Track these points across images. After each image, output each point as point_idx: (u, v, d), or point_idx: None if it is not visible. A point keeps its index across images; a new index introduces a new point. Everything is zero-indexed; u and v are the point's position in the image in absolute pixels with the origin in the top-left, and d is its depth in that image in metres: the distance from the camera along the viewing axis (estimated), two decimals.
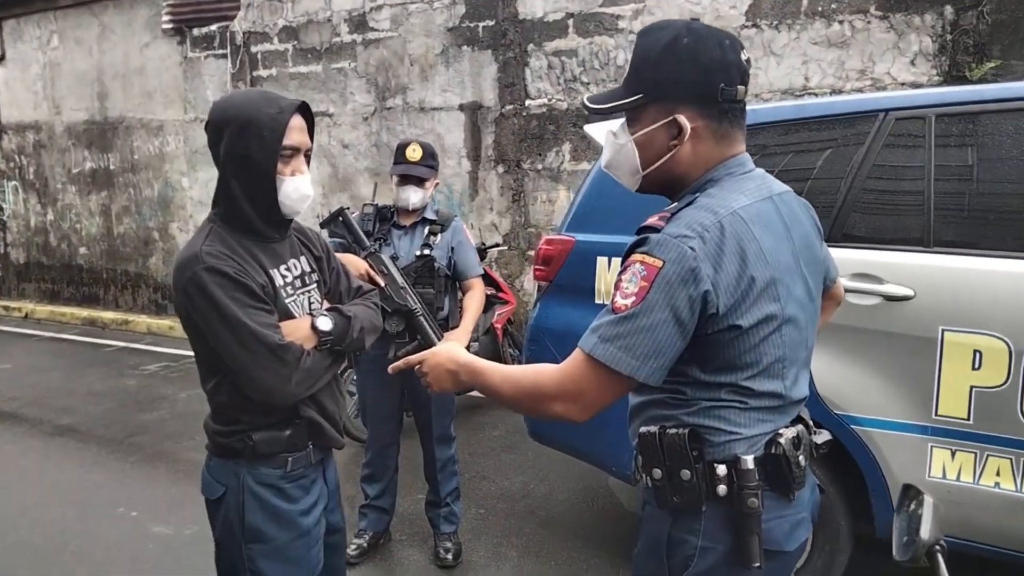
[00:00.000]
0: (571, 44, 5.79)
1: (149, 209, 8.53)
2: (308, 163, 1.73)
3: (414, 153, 3.00)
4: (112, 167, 8.74)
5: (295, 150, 1.65)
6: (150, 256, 8.56)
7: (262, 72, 7.43)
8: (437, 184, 3.18)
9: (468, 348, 3.14)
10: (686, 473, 1.23)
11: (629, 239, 2.80)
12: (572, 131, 5.84)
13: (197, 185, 8.06)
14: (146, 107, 8.32)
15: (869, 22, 4.82)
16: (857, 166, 2.43)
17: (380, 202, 3.20)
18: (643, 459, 1.29)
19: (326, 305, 1.81)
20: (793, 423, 1.31)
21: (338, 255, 2.96)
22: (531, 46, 5.98)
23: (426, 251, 3.02)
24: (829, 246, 2.33)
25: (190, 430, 4.58)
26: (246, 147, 1.59)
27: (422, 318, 2.91)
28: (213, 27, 7.67)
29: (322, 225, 3.13)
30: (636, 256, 1.22)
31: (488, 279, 4.42)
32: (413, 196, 3.01)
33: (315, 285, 1.81)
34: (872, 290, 2.32)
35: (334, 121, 7.07)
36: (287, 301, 1.70)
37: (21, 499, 3.80)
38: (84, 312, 8.75)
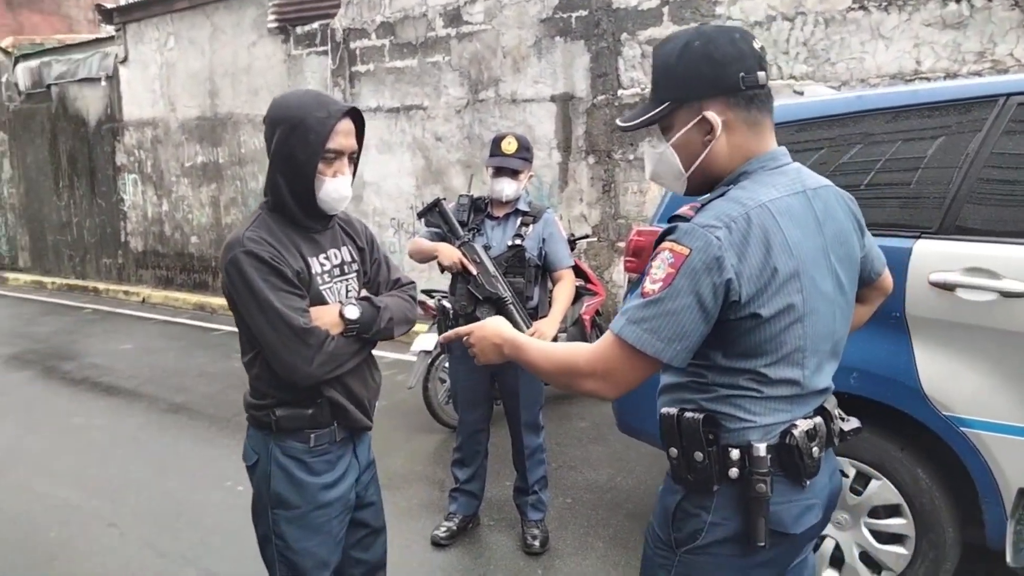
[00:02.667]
0: (665, 32, 5.68)
1: (255, 201, 8.95)
2: (356, 165, 1.83)
3: (509, 146, 3.04)
4: (221, 161, 9.24)
5: (338, 153, 1.73)
6: None
7: (360, 68, 7.66)
8: (531, 176, 3.21)
9: (556, 338, 3.18)
10: (699, 455, 1.30)
11: None
12: None
13: None
14: (252, 103, 8.73)
15: (991, 0, 4.51)
16: (973, 154, 2.29)
17: (475, 193, 3.26)
18: (662, 437, 1.36)
19: (363, 293, 1.89)
20: (815, 414, 1.36)
21: (435, 244, 3.07)
22: (624, 35, 5.92)
23: (518, 241, 3.06)
24: (940, 239, 2.25)
25: None
26: (293, 147, 1.69)
27: (512, 306, 2.96)
28: (315, 25, 7.96)
29: (419, 215, 3.23)
30: (665, 244, 1.27)
31: (577, 270, 4.42)
32: (507, 188, 3.05)
33: (355, 274, 1.89)
34: (987, 286, 2.19)
35: (428, 114, 7.22)
36: (322, 288, 1.79)
37: (140, 469, 4.10)
38: (194, 298, 9.30)
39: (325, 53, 7.93)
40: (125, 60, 10.03)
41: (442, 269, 3.08)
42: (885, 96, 2.57)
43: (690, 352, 1.26)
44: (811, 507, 1.35)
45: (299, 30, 8.12)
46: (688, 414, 1.31)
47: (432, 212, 3.14)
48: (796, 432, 1.29)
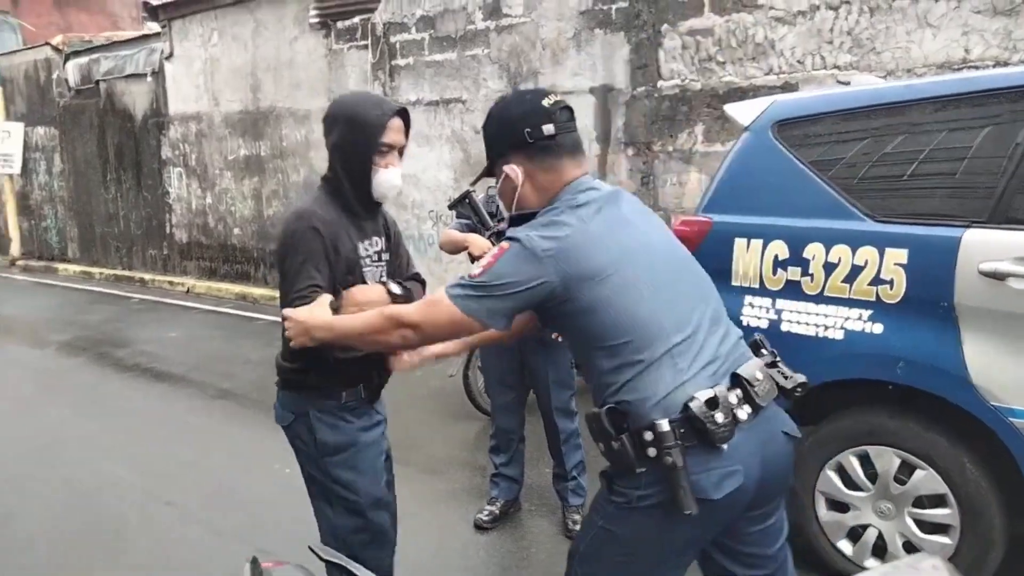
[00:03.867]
0: (707, 23, 5.66)
1: (296, 193, 9.10)
2: (402, 158, 2.06)
3: None
4: (263, 154, 9.41)
5: (390, 147, 1.95)
6: None
7: (400, 61, 7.74)
8: None
9: None
10: (614, 443, 1.47)
11: (768, 220, 2.75)
12: (706, 112, 5.72)
13: None
14: (293, 97, 8.88)
15: None
16: (1022, 144, 2.27)
17: None
18: (591, 435, 1.55)
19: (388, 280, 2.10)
20: (732, 383, 1.50)
21: (465, 235, 3.16)
22: (665, 26, 5.90)
23: None
24: (991, 228, 2.24)
25: None
26: (352, 141, 1.91)
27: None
28: (355, 19, 8.06)
29: (450, 207, 3.30)
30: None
31: None
32: None
33: (384, 263, 2.11)
34: None
35: (467, 107, 7.27)
36: (364, 270, 2.01)
37: (191, 451, 4.24)
38: (237, 288, 9.50)
39: (365, 47, 8.03)
40: (170, 56, 10.26)
41: (473, 260, 3.14)
42: (925, 86, 2.56)
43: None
44: (732, 473, 1.45)
45: (340, 25, 8.22)
46: (594, 410, 1.51)
47: (462, 204, 3.20)
48: (693, 404, 1.43)
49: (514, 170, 1.65)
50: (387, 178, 1.95)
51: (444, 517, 3.37)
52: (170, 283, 10.37)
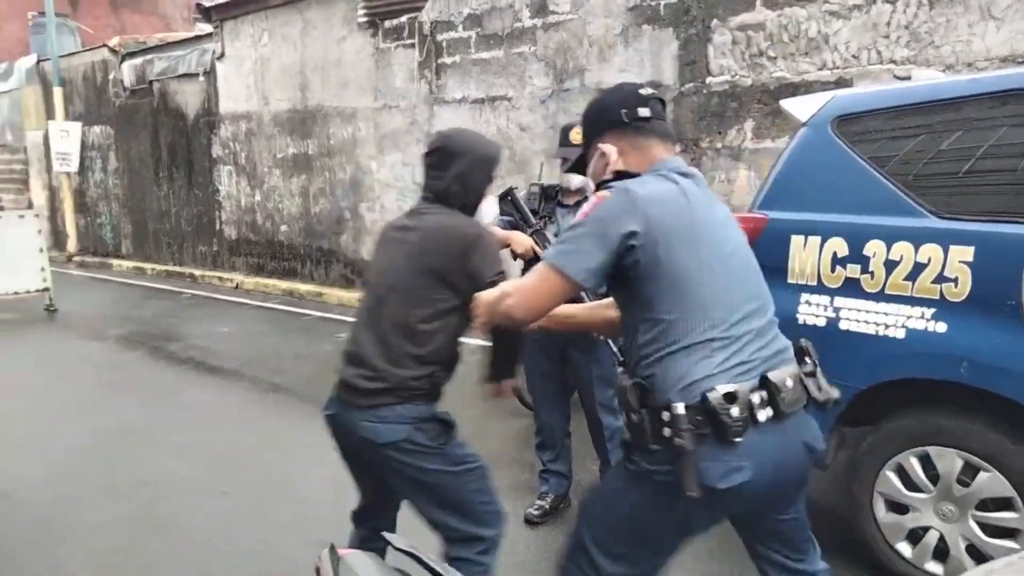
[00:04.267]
0: (758, 18, 5.59)
1: (342, 191, 9.25)
2: None
3: (577, 136, 3.08)
4: (311, 152, 9.57)
5: (493, 180, 2.27)
6: (342, 234, 9.30)
7: (446, 59, 7.80)
8: None
9: None
10: (634, 416, 1.55)
11: (827, 217, 2.71)
12: (756, 108, 5.65)
13: (384, 168, 8.64)
14: (341, 96, 9.01)
15: None
16: None
17: (546, 181, 3.32)
18: (618, 404, 1.65)
19: None
20: (760, 384, 1.53)
21: (507, 232, 3.21)
22: (715, 22, 5.84)
23: None
24: None
25: None
26: (474, 175, 2.20)
27: (583, 293, 3.02)
28: (403, 18, 8.15)
29: None
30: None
31: None
32: (574, 179, 3.12)
33: None
34: None
35: (512, 105, 7.30)
36: None
37: (246, 443, 4.35)
38: (284, 284, 9.69)
39: (412, 46, 8.11)
40: (222, 56, 10.50)
41: (515, 257, 3.15)
42: (980, 81, 2.50)
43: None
44: (739, 468, 1.50)
45: (387, 24, 8.32)
46: (622, 383, 1.58)
47: (504, 200, 3.22)
48: (711, 395, 1.48)
49: (609, 148, 1.76)
50: (489, 205, 2.30)
51: None
52: (219, 279, 10.61)
